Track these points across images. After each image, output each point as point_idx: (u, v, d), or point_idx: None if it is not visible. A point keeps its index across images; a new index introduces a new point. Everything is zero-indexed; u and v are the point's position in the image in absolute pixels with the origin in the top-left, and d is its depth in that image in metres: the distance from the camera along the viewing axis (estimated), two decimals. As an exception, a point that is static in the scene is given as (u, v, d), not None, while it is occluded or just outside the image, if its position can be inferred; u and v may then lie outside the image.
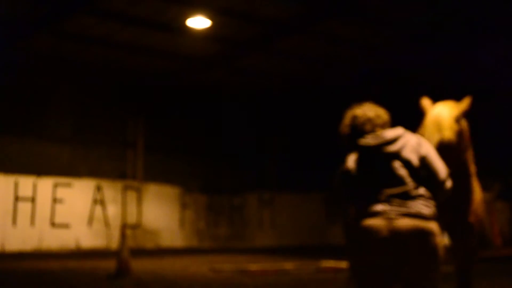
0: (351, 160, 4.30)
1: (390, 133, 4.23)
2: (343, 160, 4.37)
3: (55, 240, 16.99)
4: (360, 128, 4.26)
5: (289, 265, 12.84)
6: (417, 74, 19.54)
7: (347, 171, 4.31)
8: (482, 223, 5.25)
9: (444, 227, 5.15)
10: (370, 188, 4.17)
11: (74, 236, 17.33)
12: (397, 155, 4.16)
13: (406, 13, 15.95)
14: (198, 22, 15.99)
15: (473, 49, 17.54)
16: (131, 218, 18.43)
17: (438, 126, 4.78)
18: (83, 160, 19.41)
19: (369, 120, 4.26)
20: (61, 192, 17.29)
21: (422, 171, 4.14)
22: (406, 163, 4.14)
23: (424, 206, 4.06)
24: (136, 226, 18.50)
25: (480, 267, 12.58)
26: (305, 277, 11.44)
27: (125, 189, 18.68)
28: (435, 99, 5.35)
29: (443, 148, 4.71)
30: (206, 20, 15.86)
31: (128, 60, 19.01)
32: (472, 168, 5.20)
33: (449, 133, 4.74)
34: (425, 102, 5.09)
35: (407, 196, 4.08)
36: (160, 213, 19.17)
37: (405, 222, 3.98)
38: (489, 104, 19.09)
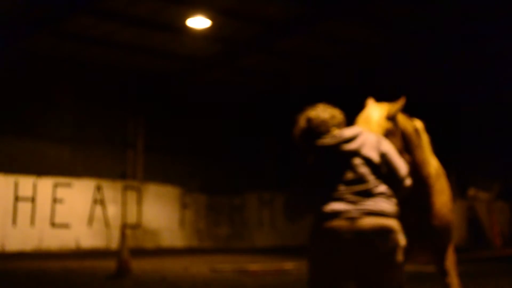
0: (311, 162, 4.30)
1: (348, 131, 4.23)
2: (301, 162, 4.39)
3: (55, 240, 16.98)
4: (315, 131, 4.29)
5: (289, 265, 12.84)
6: (416, 74, 19.54)
7: (307, 172, 4.30)
8: (451, 225, 5.18)
9: (407, 228, 5.21)
10: (331, 187, 4.14)
11: (74, 236, 17.33)
12: (356, 153, 4.15)
13: (406, 13, 15.95)
14: (198, 22, 15.99)
15: (472, 49, 17.54)
16: (131, 218, 18.43)
17: (367, 123, 4.85)
18: (83, 160, 19.40)
19: (323, 121, 4.29)
20: (61, 192, 17.29)
21: (383, 168, 4.14)
22: (367, 161, 4.13)
23: (386, 204, 4.05)
24: (136, 226, 18.50)
25: (480, 267, 12.60)
26: (305, 277, 11.43)
27: (125, 189, 18.68)
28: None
29: None
30: (206, 20, 15.86)
31: (128, 60, 19.02)
32: (432, 170, 5.17)
33: (375, 129, 4.77)
34: (368, 101, 5.17)
35: (368, 194, 4.06)
36: (160, 213, 19.17)
37: (368, 221, 3.96)
38: (489, 104, 19.11)
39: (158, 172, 20.50)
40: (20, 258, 14.86)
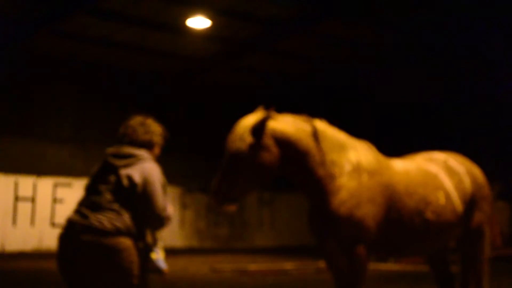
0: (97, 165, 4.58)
1: (129, 149, 4.53)
2: None
3: (55, 240, 16.77)
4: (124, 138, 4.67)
5: (289, 265, 12.85)
6: (415, 74, 19.54)
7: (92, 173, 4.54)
8: (360, 220, 5.04)
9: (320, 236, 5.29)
10: (86, 194, 4.38)
11: (74, 236, 17.31)
12: (118, 172, 4.37)
13: (406, 14, 15.96)
14: (198, 22, 16.00)
15: (472, 48, 17.54)
16: (131, 218, 18.41)
17: (234, 137, 5.04)
18: (83, 160, 19.37)
19: (132, 133, 4.74)
20: (61, 192, 17.28)
21: (139, 196, 4.34)
22: (126, 179, 4.33)
23: (110, 220, 4.16)
24: (136, 226, 18.49)
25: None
26: (305, 277, 11.44)
27: (125, 189, 18.66)
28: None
29: (233, 158, 5.01)
30: (206, 20, 15.86)
31: (128, 60, 19.01)
32: (334, 171, 5.10)
33: (239, 144, 4.93)
34: (259, 109, 5.31)
35: (98, 207, 4.22)
36: (160, 213, 19.15)
37: (86, 238, 4.15)
38: (489, 103, 19.12)
39: (158, 172, 20.47)
40: (20, 258, 14.86)
